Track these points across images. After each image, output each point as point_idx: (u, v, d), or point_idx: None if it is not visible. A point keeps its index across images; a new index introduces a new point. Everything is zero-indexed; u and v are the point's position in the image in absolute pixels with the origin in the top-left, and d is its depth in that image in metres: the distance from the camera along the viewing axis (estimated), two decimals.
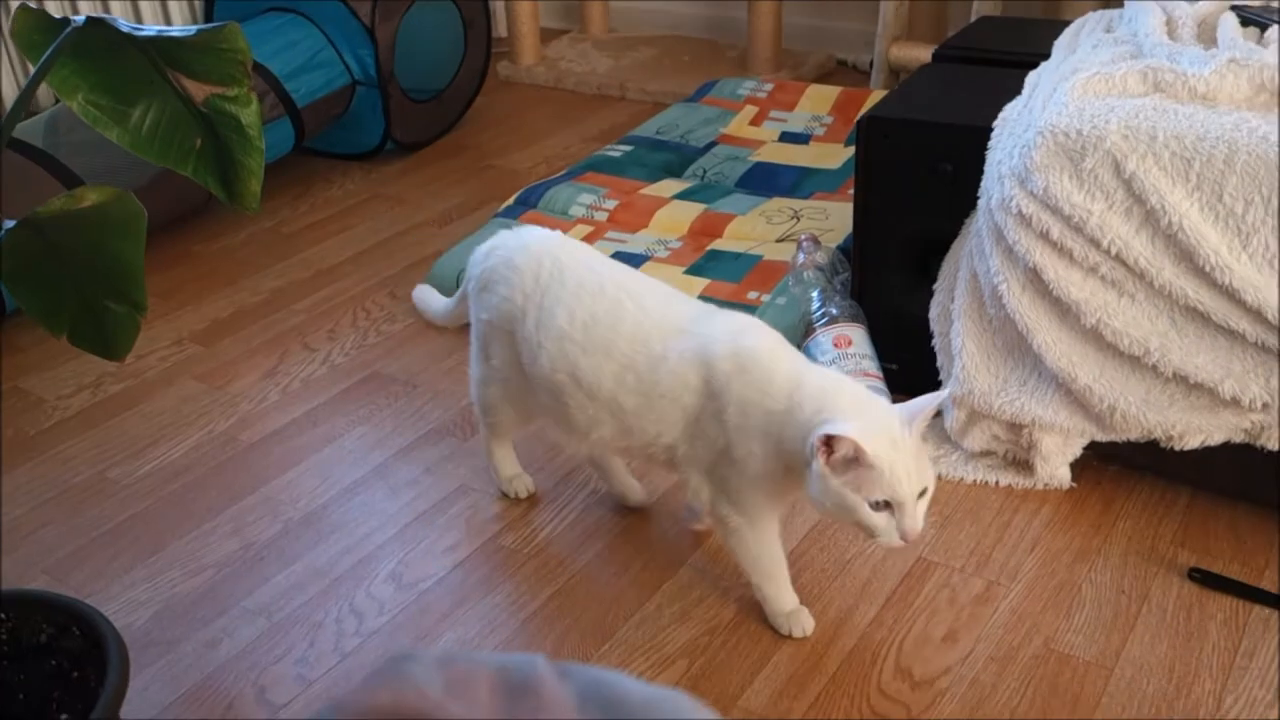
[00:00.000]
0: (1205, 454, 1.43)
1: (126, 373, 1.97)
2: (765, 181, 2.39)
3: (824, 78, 3.14)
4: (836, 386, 1.23)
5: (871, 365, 1.71)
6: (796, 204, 2.24)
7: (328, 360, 1.99)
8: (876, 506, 1.16)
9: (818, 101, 2.72)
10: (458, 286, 2.03)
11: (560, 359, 1.34)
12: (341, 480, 1.68)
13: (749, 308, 1.83)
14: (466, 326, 1.56)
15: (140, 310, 1.26)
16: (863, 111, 1.71)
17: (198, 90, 1.14)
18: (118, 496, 1.67)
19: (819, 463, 1.16)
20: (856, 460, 1.15)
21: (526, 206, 2.31)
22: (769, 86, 2.81)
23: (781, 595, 1.35)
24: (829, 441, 1.14)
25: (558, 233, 1.48)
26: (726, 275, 1.99)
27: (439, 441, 1.75)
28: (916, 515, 1.17)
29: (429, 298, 1.69)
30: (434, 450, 1.73)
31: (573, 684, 0.43)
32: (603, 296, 1.34)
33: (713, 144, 2.59)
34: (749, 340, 1.27)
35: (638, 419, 1.32)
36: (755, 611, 1.39)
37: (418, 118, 2.82)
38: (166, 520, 1.61)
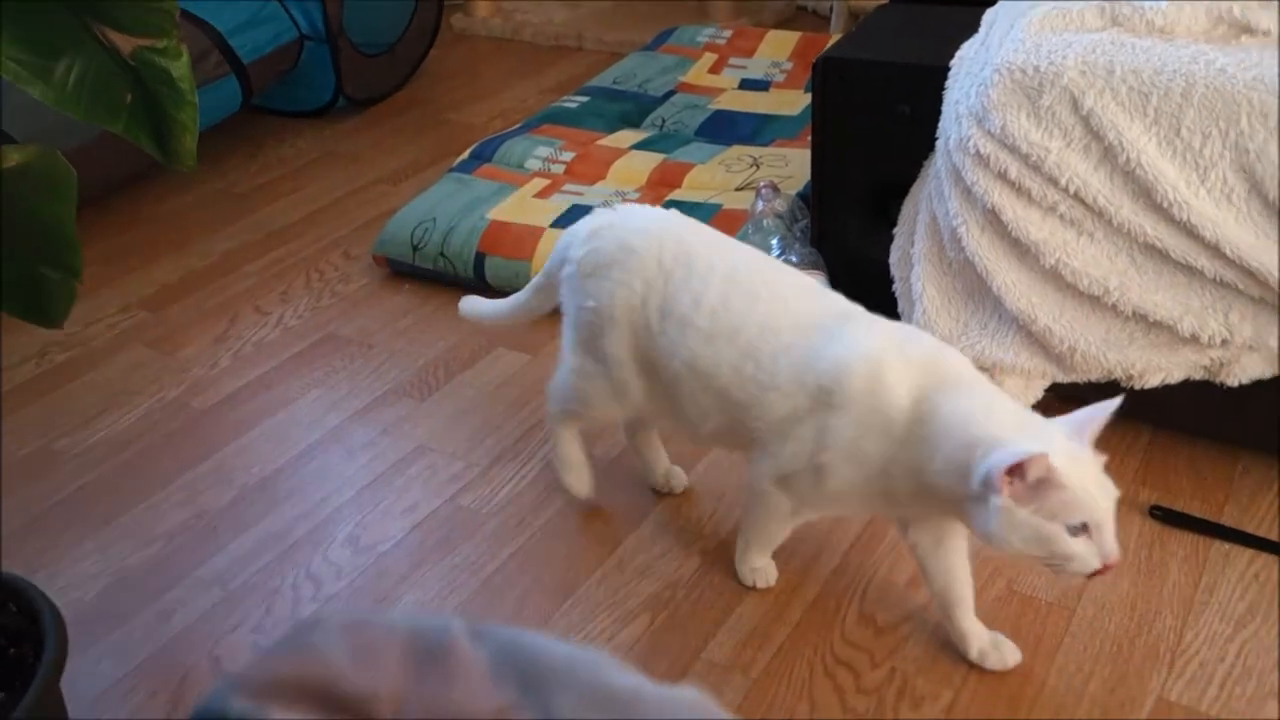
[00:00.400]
0: (1165, 392, 1.42)
1: (73, 341, 1.93)
2: (724, 129, 2.36)
3: (784, 23, 3.10)
4: (996, 406, 1.10)
5: None
6: (756, 151, 2.21)
7: (281, 323, 1.95)
8: (1074, 532, 1.03)
9: (777, 47, 2.68)
10: (412, 245, 2.01)
11: (681, 347, 1.23)
12: (296, 444, 1.64)
13: None
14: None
15: (75, 275, 1.21)
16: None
17: (125, 43, 1.10)
18: (66, 468, 1.63)
19: (1001, 496, 1.02)
20: (1045, 483, 1.01)
21: (481, 161, 2.26)
22: (728, 33, 2.76)
23: (762, 555, 1.33)
24: (1016, 468, 1.01)
25: (673, 211, 1.35)
26: None
27: (396, 402, 1.72)
28: (1114, 533, 1.04)
29: (479, 304, 1.55)
30: (391, 411, 1.70)
31: (488, 647, 0.40)
32: (735, 283, 1.23)
33: (671, 93, 2.55)
34: (894, 358, 1.15)
35: (745, 413, 1.21)
36: (718, 564, 1.37)
37: (370, 73, 2.75)
38: (117, 491, 1.58)
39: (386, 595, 1.37)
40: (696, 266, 1.25)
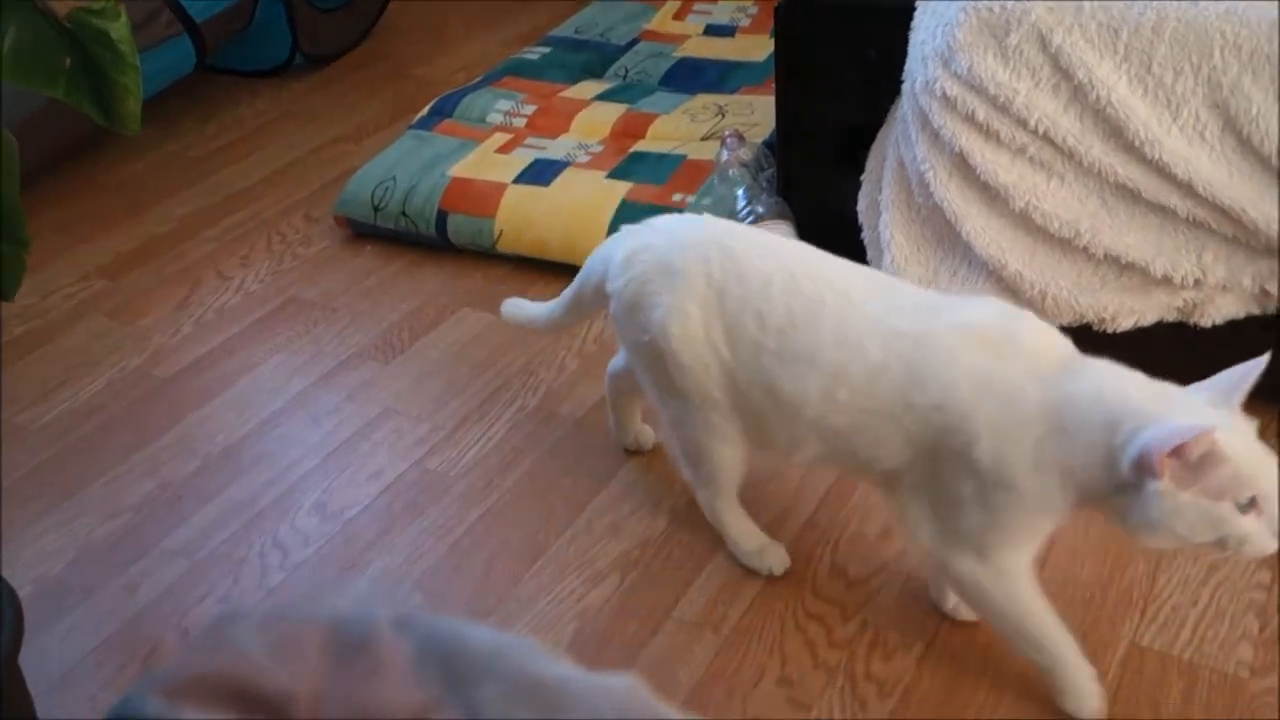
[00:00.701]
0: (1138, 336, 1.41)
1: (30, 313, 1.88)
2: (690, 78, 2.31)
3: None
4: (1126, 379, 1.01)
5: None
6: (722, 99, 2.17)
7: (242, 288, 1.91)
8: (1243, 509, 0.94)
9: None
10: (373, 205, 1.96)
11: (756, 371, 1.13)
12: (261, 411, 1.62)
13: (674, 210, 1.77)
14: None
15: (23, 246, 1.17)
16: None
17: (62, 6, 1.06)
18: (27, 442, 1.60)
19: (1161, 481, 0.93)
20: (1208, 460, 0.92)
21: (442, 116, 2.21)
22: None
23: (1066, 657, 1.09)
24: (1179, 448, 0.91)
25: (705, 216, 1.24)
26: (650, 177, 1.93)
27: (360, 366, 1.69)
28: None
29: (522, 307, 1.47)
30: (355, 375, 1.67)
31: (413, 637, 0.39)
32: (797, 291, 1.11)
33: (635, 41, 2.49)
34: (1002, 357, 1.03)
35: (848, 441, 1.10)
36: (687, 522, 1.36)
37: (327, 28, 2.68)
38: (79, 464, 1.55)
39: (354, 562, 1.36)
40: (750, 276, 1.14)
